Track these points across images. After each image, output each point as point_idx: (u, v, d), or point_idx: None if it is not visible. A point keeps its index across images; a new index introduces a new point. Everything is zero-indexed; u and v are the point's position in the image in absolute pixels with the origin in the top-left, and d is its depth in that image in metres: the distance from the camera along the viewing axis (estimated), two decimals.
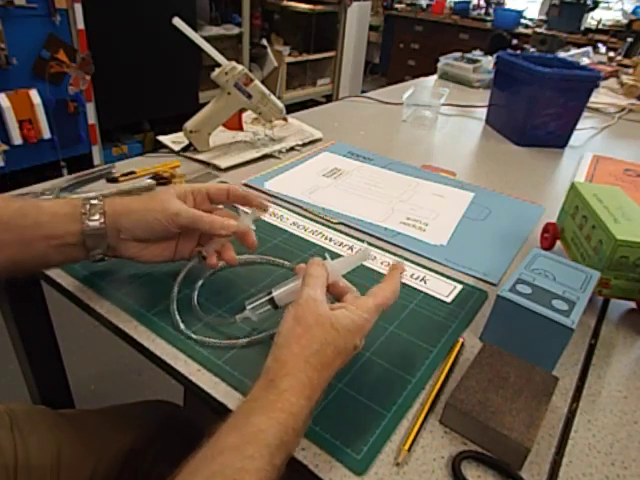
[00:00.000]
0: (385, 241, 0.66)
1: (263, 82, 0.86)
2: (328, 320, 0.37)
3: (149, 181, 0.74)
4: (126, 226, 0.46)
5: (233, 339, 0.46)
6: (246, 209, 0.53)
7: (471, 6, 4.35)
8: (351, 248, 0.63)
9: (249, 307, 0.43)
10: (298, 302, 0.38)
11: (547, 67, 1.01)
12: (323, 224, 0.69)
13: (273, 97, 0.88)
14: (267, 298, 0.43)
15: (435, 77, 1.69)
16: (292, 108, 1.26)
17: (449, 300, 0.55)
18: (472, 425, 0.38)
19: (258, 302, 0.43)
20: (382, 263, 0.60)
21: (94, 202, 0.45)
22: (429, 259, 0.63)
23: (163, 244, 0.49)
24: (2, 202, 0.44)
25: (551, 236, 0.67)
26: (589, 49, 2.09)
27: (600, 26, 3.82)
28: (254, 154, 0.88)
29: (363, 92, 1.48)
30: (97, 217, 0.45)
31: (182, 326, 0.47)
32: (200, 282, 0.53)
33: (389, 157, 0.95)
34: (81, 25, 1.98)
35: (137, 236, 0.47)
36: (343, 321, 0.37)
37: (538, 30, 3.90)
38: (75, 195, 0.64)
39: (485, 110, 1.26)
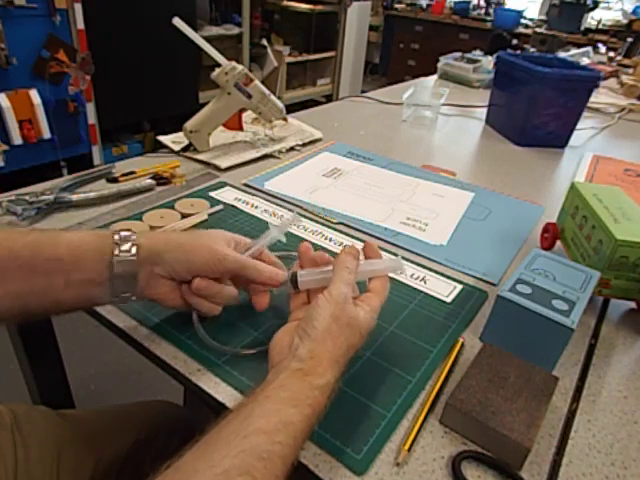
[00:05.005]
0: (385, 241, 0.66)
1: (263, 82, 0.86)
2: (357, 324, 0.38)
3: (149, 181, 0.74)
4: (167, 260, 0.42)
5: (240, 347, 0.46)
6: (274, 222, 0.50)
7: (471, 6, 4.35)
8: None
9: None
10: (335, 299, 0.38)
11: (547, 67, 1.01)
12: (323, 224, 0.69)
13: (273, 97, 0.88)
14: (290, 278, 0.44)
15: (435, 77, 1.69)
16: (292, 108, 1.26)
17: (449, 300, 0.55)
18: (472, 425, 0.38)
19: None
20: None
21: (125, 234, 0.41)
22: (429, 259, 0.63)
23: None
24: (16, 234, 0.40)
25: (551, 236, 0.67)
26: (589, 49, 2.09)
27: (600, 26, 3.82)
28: (254, 154, 0.88)
29: (363, 92, 1.48)
30: (127, 247, 0.40)
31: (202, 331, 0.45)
32: None
33: (389, 157, 0.95)
34: (81, 25, 1.98)
35: (174, 272, 0.42)
36: (365, 325, 0.39)
37: (538, 30, 3.91)
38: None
39: (485, 110, 1.26)
